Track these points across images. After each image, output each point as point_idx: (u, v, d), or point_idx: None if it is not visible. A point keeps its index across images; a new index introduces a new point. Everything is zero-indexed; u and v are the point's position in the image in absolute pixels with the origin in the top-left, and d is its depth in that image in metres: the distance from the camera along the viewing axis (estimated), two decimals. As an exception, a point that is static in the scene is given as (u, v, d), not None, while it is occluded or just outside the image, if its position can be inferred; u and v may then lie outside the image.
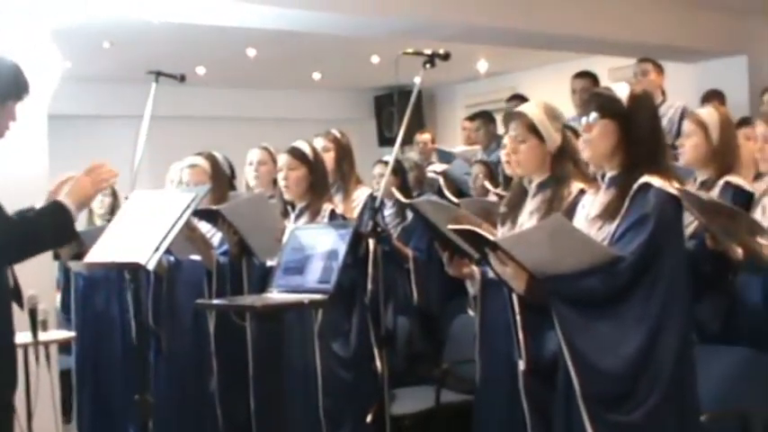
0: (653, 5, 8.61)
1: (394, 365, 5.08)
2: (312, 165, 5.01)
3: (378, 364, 4.78)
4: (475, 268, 4.02)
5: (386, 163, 6.52)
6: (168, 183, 5.95)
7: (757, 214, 4.14)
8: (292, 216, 5.04)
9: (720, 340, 4.14)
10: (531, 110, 3.98)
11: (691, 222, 4.28)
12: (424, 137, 9.38)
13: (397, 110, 11.41)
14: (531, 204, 3.96)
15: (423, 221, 4.10)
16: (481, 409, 4.17)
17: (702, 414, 3.50)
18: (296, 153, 5.01)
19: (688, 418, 3.34)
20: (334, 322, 4.80)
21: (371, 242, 4.67)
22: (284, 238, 4.54)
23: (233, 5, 6.79)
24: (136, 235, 3.94)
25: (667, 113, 7.24)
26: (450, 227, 3.62)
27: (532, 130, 3.92)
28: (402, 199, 6.25)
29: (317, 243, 4.25)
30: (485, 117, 8.66)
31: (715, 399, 3.73)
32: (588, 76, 7.72)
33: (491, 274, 3.61)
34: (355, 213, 5.31)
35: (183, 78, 6.09)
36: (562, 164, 3.94)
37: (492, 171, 7.03)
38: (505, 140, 4.15)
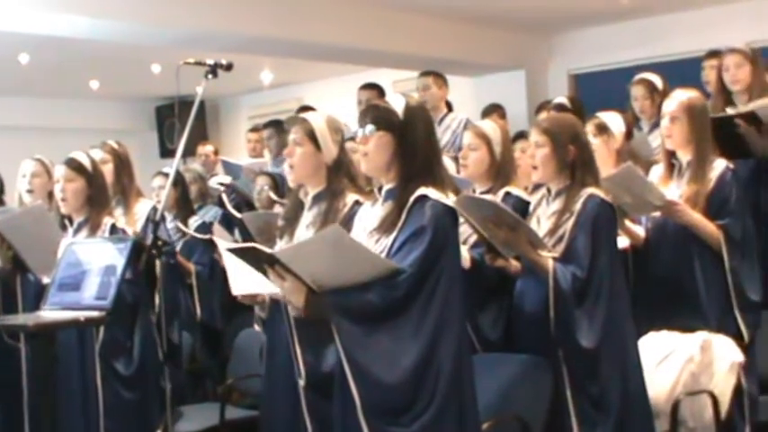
0: (434, 20, 8.81)
1: (178, 382, 5.01)
2: (90, 177, 4.86)
3: (166, 382, 4.69)
4: (265, 294, 3.98)
5: (166, 175, 6.43)
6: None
7: (533, 225, 4.27)
8: (70, 231, 4.88)
9: (501, 348, 4.25)
10: (313, 118, 4.02)
11: (472, 233, 4.40)
12: (206, 148, 9.31)
13: (178, 121, 11.25)
14: (307, 217, 3.98)
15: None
16: (266, 425, 4.14)
17: (484, 422, 3.58)
18: (73, 164, 4.85)
19: (468, 428, 3.39)
20: (115, 340, 4.68)
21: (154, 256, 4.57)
22: (59, 253, 4.39)
23: (4, 8, 6.54)
24: None
25: (451, 125, 7.39)
26: (229, 246, 3.58)
27: (311, 136, 3.95)
28: (236, 213, 6.18)
29: (95, 258, 4.13)
30: (276, 126, 8.63)
31: (496, 406, 3.84)
32: (373, 88, 7.82)
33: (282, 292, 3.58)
34: (138, 227, 5.20)
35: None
36: (338, 176, 3.98)
37: (277, 183, 7.01)
38: None
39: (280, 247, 3.93)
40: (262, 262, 3.38)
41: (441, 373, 3.29)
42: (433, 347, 3.29)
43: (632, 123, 5.67)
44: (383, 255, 3.39)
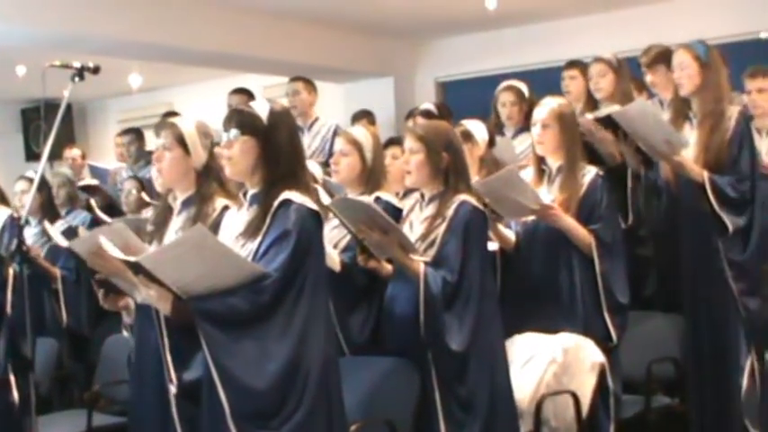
0: (304, 27, 8.81)
1: (40, 391, 4.89)
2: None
3: (15, 393, 4.55)
4: (129, 300, 3.91)
5: (30, 179, 6.27)
6: None
7: (406, 229, 4.29)
8: None
9: (370, 350, 4.25)
10: (182, 123, 3.97)
11: (343, 236, 4.40)
12: (73, 152, 9.16)
13: (45, 124, 10.98)
14: (176, 222, 3.93)
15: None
16: (134, 430, 4.07)
17: (351, 424, 3.59)
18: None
19: (335, 430, 3.40)
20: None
21: (12, 264, 4.44)
22: None
23: None
24: None
25: (321, 131, 7.39)
26: (96, 254, 3.50)
27: (180, 141, 3.90)
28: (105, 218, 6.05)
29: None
30: (135, 133, 8.53)
31: (364, 408, 3.84)
32: (243, 93, 7.78)
33: (139, 299, 3.52)
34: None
35: None
36: (207, 181, 3.93)
37: (144, 187, 6.91)
38: None
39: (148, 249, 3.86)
40: (132, 270, 3.31)
41: (309, 377, 3.29)
42: (301, 351, 3.29)
43: (494, 131, 5.74)
44: (249, 259, 3.37)
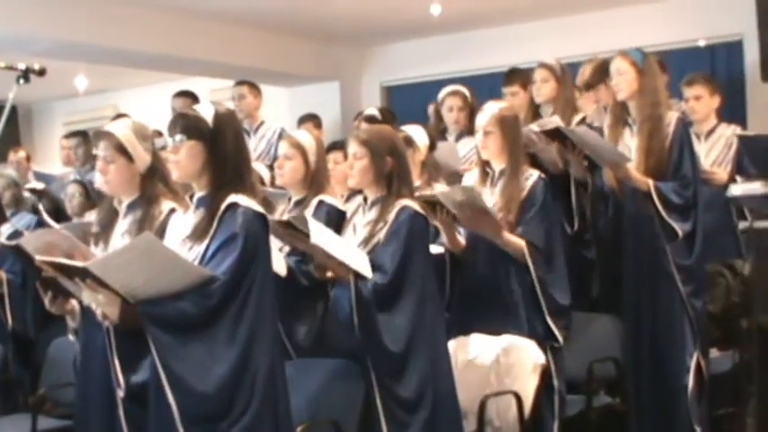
0: (250, 31, 8.80)
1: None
2: None
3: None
4: (75, 303, 3.88)
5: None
6: None
7: (349, 233, 4.29)
8: None
9: (313, 351, 4.25)
10: (119, 130, 3.89)
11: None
12: (18, 155, 9.03)
13: (-11, 126, 10.86)
14: (122, 225, 3.90)
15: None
16: (80, 432, 4.03)
17: (297, 425, 3.59)
18: None
19: (281, 429, 3.40)
20: None
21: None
22: None
23: None
24: None
25: (266, 135, 7.38)
26: (40, 258, 3.46)
27: (121, 150, 3.85)
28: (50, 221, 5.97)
29: None
30: (82, 136, 8.45)
31: (311, 408, 3.84)
32: (187, 96, 7.74)
33: (86, 302, 3.49)
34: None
35: None
36: (152, 183, 3.90)
37: (87, 190, 6.87)
38: None
39: (95, 252, 3.83)
40: (74, 275, 3.30)
41: (256, 379, 3.29)
42: (248, 353, 3.28)
43: (436, 135, 5.75)
44: (196, 262, 3.36)
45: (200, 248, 3.39)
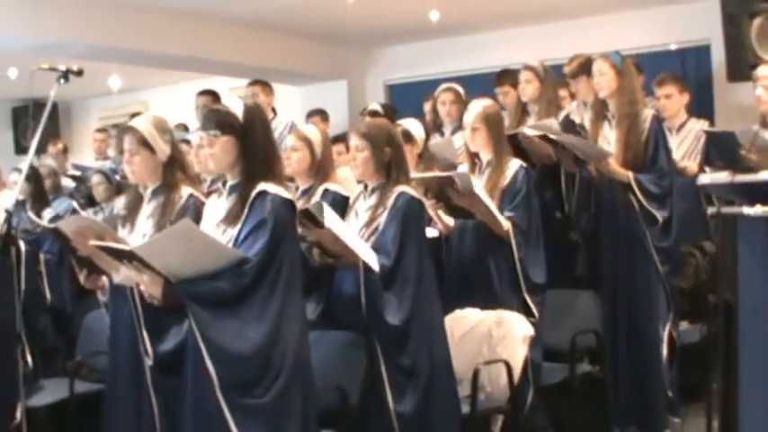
0: (265, 34, 8.79)
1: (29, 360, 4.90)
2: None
3: (19, 359, 4.50)
4: (105, 280, 3.88)
5: (21, 170, 6.18)
6: None
7: (351, 218, 4.28)
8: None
9: (319, 324, 4.23)
10: (141, 125, 3.90)
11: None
12: (57, 147, 9.07)
13: (33, 121, 10.84)
14: (147, 209, 3.90)
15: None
16: (110, 397, 4.03)
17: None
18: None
19: (307, 394, 3.42)
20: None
21: (20, 245, 4.38)
22: None
23: None
24: None
25: (278, 128, 7.34)
26: (94, 243, 3.46)
27: (143, 143, 3.85)
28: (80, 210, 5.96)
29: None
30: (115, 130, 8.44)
31: (318, 377, 3.80)
32: (209, 94, 7.71)
33: (117, 280, 3.49)
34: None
35: None
36: (172, 172, 3.91)
37: (109, 177, 6.88)
38: None
39: (122, 234, 3.84)
40: (121, 258, 3.33)
41: (287, 349, 3.32)
42: (279, 326, 3.31)
43: (432, 129, 5.73)
44: (230, 245, 3.38)
45: (233, 232, 3.41)
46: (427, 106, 6.93)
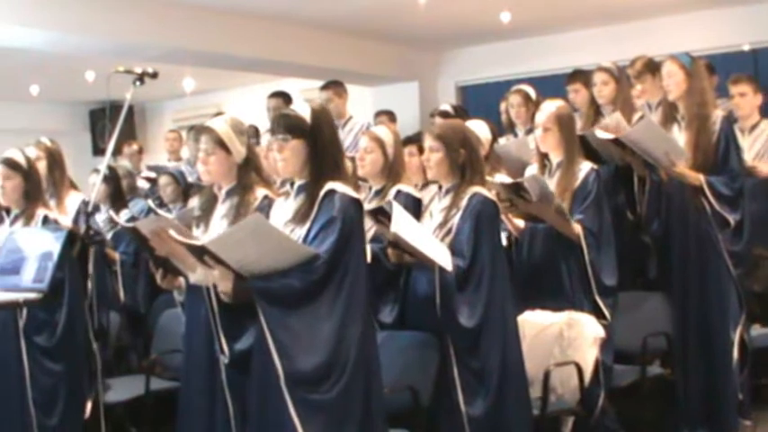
0: (337, 36, 8.83)
1: (105, 358, 4.96)
2: (26, 173, 4.78)
3: (96, 356, 4.59)
4: (182, 280, 3.92)
5: (99, 171, 6.30)
6: None
7: (426, 219, 4.27)
8: (7, 221, 4.79)
9: (396, 326, 4.24)
10: (218, 125, 3.91)
11: (371, 227, 4.38)
12: (132, 148, 9.16)
13: (109, 122, 11.03)
14: (221, 210, 3.92)
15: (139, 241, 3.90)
16: (185, 395, 4.08)
17: (384, 388, 3.58)
18: (10, 163, 4.76)
19: (374, 392, 3.42)
20: (36, 317, 4.59)
21: (87, 244, 4.47)
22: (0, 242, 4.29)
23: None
24: None
25: (354, 129, 7.36)
26: (173, 236, 3.51)
27: (220, 143, 3.87)
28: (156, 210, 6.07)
29: (33, 245, 4.07)
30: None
31: (391, 376, 3.83)
32: (280, 96, 7.76)
33: (193, 280, 3.53)
34: (69, 218, 5.09)
35: None
36: (247, 173, 3.93)
37: (177, 179, 6.96)
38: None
39: (197, 234, 3.87)
40: (193, 253, 3.35)
41: (351, 346, 3.32)
42: (345, 323, 3.31)
43: (496, 130, 5.72)
44: (299, 242, 3.38)
45: (301, 231, 3.42)
46: (503, 106, 6.90)
